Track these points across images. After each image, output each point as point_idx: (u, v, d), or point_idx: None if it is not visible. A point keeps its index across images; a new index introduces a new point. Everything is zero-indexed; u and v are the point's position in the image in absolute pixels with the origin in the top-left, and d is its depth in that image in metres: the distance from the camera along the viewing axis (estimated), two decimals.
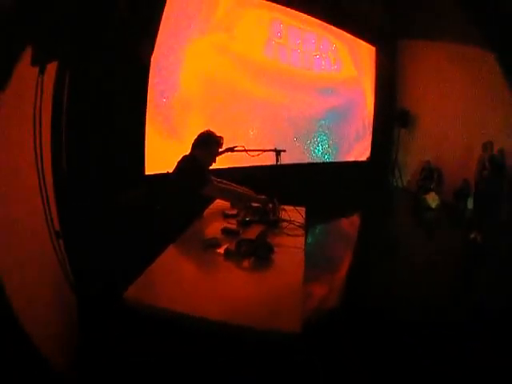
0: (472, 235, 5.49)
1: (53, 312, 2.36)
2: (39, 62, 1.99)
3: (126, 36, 3.57)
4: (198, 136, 2.81)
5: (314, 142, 7.19)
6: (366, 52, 8.22)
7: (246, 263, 1.95)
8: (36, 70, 2.02)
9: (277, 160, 2.79)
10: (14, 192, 2.01)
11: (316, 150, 7.25)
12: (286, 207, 2.87)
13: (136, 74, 4.10)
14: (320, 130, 7.26)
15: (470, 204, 6.99)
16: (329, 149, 7.53)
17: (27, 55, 1.87)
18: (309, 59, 6.79)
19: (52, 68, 2.38)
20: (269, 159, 2.98)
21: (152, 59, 4.27)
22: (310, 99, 6.91)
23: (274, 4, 5.87)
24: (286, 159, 2.90)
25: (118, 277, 1.94)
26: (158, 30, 4.30)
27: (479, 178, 6.08)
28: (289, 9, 6.13)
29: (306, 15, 6.45)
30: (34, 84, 2.05)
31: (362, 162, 8.44)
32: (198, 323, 1.44)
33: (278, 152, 2.80)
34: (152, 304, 1.52)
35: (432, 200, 7.51)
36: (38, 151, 2.13)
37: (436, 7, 5.69)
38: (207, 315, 1.45)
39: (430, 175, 7.99)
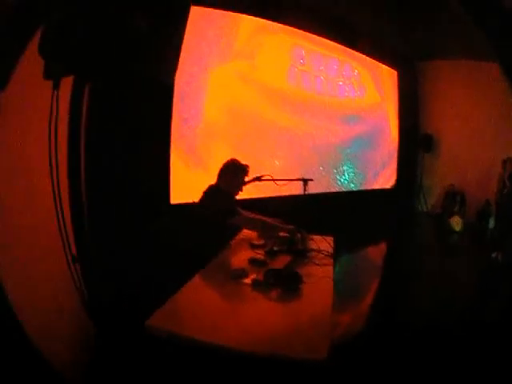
0: (493, 254, 5.36)
1: (69, 337, 2.34)
2: (53, 75, 1.97)
3: (146, 54, 3.60)
4: (224, 165, 2.81)
5: (340, 171, 7.11)
6: (388, 76, 8.18)
7: (273, 293, 1.90)
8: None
9: (304, 189, 2.76)
10: (31, 215, 2.04)
11: (342, 179, 7.17)
12: (313, 237, 2.82)
13: (160, 100, 4.13)
14: (346, 158, 7.19)
15: (492, 224, 6.98)
16: (355, 177, 7.44)
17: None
18: (332, 86, 6.78)
19: (69, 85, 2.38)
20: (295, 189, 2.96)
21: (175, 87, 4.30)
22: (334, 127, 6.87)
23: (295, 29, 5.87)
24: (311, 188, 2.87)
25: (141, 305, 1.93)
26: (180, 47, 4.33)
27: (500, 197, 6.05)
28: (310, 34, 6.11)
29: (327, 40, 6.42)
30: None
31: (387, 189, 8.32)
32: (224, 353, 1.41)
33: (305, 181, 2.78)
34: (177, 332, 1.49)
35: (456, 223, 7.39)
36: (55, 176, 2.15)
37: (456, 28, 5.67)
38: (234, 345, 1.42)
39: (454, 198, 7.94)
